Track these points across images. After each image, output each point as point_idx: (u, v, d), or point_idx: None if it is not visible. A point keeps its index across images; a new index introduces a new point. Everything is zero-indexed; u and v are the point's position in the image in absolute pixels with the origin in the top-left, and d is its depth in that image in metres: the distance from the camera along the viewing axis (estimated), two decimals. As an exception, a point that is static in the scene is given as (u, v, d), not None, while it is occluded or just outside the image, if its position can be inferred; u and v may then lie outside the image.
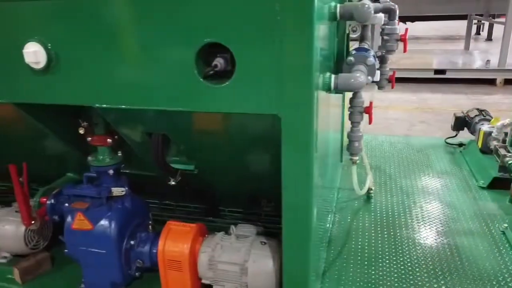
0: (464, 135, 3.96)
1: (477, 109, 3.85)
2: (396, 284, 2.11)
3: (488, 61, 8.82)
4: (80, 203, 1.98)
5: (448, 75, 8.76)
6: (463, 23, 12.47)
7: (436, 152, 3.82)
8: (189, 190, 2.23)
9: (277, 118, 1.41)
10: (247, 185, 2.22)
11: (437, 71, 8.78)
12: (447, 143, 4.02)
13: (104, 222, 1.96)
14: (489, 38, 15.22)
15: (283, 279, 1.68)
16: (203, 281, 1.96)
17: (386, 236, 2.52)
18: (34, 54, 1.54)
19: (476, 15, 11.38)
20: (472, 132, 3.75)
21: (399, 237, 2.50)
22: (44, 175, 2.32)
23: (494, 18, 11.82)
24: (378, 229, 2.60)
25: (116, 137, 2.01)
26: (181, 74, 1.44)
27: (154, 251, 2.01)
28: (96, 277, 2.04)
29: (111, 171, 2.02)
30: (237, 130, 1.83)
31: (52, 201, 2.14)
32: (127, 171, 2.20)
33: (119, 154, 2.07)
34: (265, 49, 1.34)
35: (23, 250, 2.25)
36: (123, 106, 1.54)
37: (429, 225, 2.62)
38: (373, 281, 2.15)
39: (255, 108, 1.43)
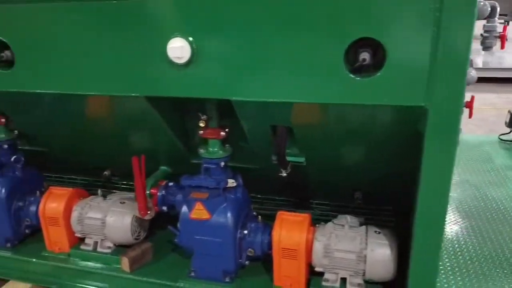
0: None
1: (533, 106, 3.90)
2: (486, 272, 2.18)
3: (517, 60, 8.85)
4: (200, 193, 2.04)
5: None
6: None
7: (493, 148, 3.88)
8: (288, 182, 2.29)
9: (424, 110, 1.47)
10: (343, 177, 2.28)
11: (465, 70, 8.79)
12: (501, 139, 4.07)
13: (221, 212, 2.03)
14: (506, 37, 15.23)
15: (410, 273, 1.73)
16: (316, 268, 2.03)
17: (466, 227, 2.59)
18: (180, 49, 1.61)
19: (500, 15, 11.37)
20: (529, 128, 3.81)
21: (483, 229, 2.57)
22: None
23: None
24: (459, 221, 2.66)
25: (227, 130, 2.08)
26: (331, 69, 1.50)
27: (266, 241, 2.08)
28: (208, 266, 2.10)
29: (222, 163, 2.09)
30: (353, 124, 1.89)
31: (163, 192, 2.21)
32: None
33: (228, 147, 2.14)
34: (419, 44, 1.41)
35: (128, 240, 2.32)
36: (269, 100, 1.60)
37: (509, 217, 2.68)
38: (463, 269, 2.22)
39: (402, 100, 1.50)
